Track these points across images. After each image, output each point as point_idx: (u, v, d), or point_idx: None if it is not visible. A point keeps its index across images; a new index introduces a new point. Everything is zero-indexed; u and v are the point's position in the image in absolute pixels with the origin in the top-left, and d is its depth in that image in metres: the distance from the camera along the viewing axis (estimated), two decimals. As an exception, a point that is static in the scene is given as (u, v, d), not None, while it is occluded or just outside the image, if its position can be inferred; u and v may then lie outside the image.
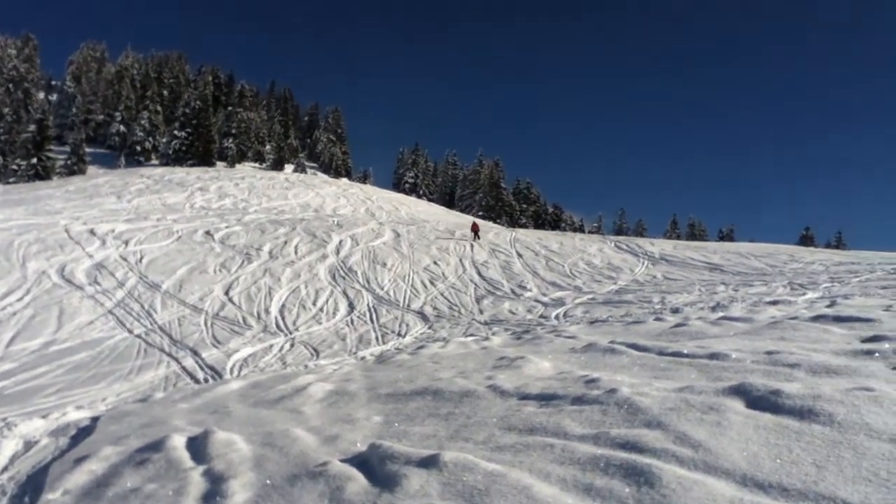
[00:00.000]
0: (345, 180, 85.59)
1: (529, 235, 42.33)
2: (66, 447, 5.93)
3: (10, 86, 78.75)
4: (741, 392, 4.26)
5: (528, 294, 25.35)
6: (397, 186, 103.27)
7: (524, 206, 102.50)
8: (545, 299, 23.80)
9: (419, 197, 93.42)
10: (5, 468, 5.56)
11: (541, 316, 20.47)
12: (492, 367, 6.89)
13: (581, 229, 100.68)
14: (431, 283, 27.43)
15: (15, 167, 63.22)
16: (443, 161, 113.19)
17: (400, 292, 25.71)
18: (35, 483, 4.83)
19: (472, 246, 35.52)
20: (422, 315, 22.41)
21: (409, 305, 23.85)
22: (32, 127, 65.89)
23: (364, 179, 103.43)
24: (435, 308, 23.49)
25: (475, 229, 38.12)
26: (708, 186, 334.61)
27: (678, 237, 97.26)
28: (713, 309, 13.08)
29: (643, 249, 36.02)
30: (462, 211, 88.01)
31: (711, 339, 7.33)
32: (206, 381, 14.60)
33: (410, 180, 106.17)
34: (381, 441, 4.16)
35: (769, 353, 5.71)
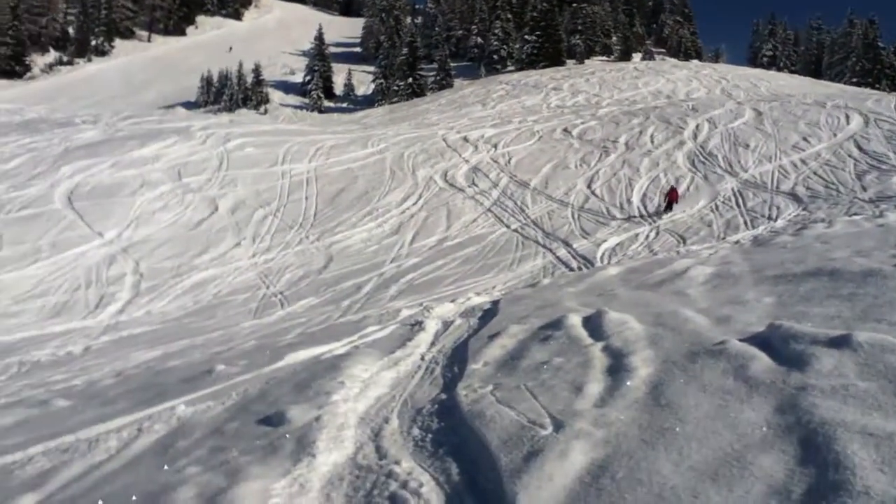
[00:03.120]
0: (695, 62, 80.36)
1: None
2: (476, 326, 6.83)
3: (383, 15, 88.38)
4: None
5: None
6: (753, 62, 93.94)
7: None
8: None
9: (779, 70, 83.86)
10: (433, 343, 6.62)
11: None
12: (895, 245, 6.19)
13: None
14: (802, 161, 24.89)
15: (396, 88, 71.25)
16: (804, 28, 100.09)
17: (766, 174, 23.85)
18: (459, 355, 5.68)
19: (846, 117, 31.03)
20: (793, 196, 20.62)
21: (777, 187, 22.08)
22: (405, 50, 73.34)
23: (716, 59, 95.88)
24: (808, 188, 21.41)
25: (673, 197, 22.24)
26: None
27: None
28: None
29: None
30: (831, 80, 77.10)
31: None
32: (579, 269, 15.41)
33: (768, 53, 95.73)
34: (780, 321, 4.08)
35: None
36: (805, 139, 28.14)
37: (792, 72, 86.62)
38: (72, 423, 5.55)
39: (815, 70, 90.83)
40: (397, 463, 3.45)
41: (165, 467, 3.92)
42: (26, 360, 12.90)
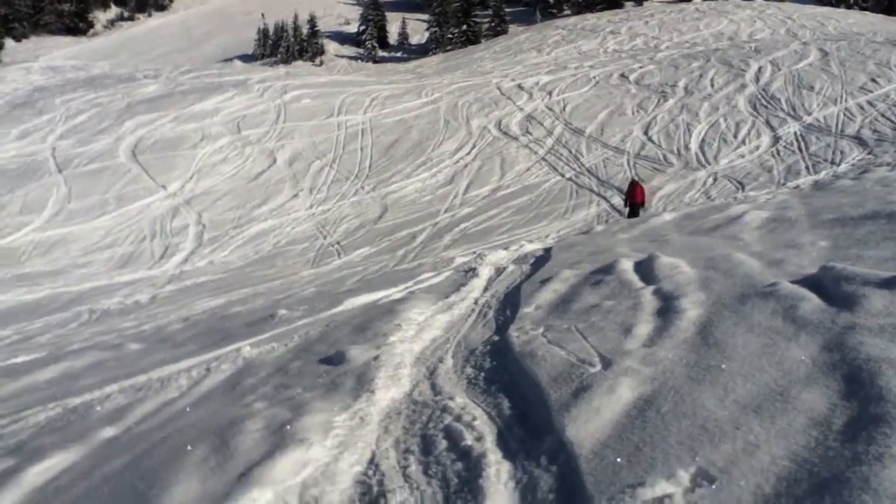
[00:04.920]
0: (759, 0, 77.03)
1: None
2: (528, 272, 6.93)
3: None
4: None
5: None
6: (822, 0, 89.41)
7: None
8: None
9: (849, 7, 79.62)
10: (486, 288, 6.75)
11: None
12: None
13: None
14: (869, 104, 23.85)
15: (450, 35, 70.38)
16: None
17: (831, 117, 22.98)
18: (512, 299, 5.80)
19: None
20: (859, 140, 19.88)
21: (842, 131, 21.29)
22: (458, -4, 72.21)
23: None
24: (875, 131, 20.59)
25: (638, 197, 16.03)
26: None
27: None
28: None
29: None
30: (910, 15, 72.97)
31: None
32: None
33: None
34: (832, 263, 4.06)
35: None
36: (873, 80, 26.92)
37: (863, 9, 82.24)
38: (144, 364, 5.91)
39: (888, 6, 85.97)
40: (451, 399, 3.62)
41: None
42: (96, 308, 13.57)
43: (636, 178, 17.44)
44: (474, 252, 10.56)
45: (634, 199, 16.08)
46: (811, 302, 3.57)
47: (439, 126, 28.65)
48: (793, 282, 3.99)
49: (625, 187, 18.66)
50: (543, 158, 23.07)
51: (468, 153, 24.85)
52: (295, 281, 13.74)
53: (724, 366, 3.05)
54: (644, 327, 3.87)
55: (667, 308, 4.16)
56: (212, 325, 7.93)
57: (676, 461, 2.41)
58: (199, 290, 14.55)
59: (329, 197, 22.51)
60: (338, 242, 18.24)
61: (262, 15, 77.09)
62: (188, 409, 4.35)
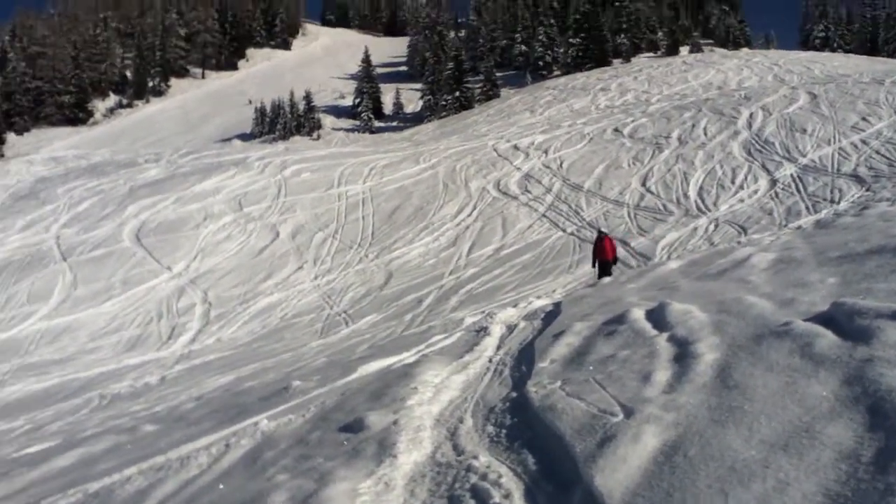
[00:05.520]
0: (745, 50, 78.82)
1: None
2: (540, 327, 6.94)
3: (427, 32, 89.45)
4: None
5: None
6: (805, 44, 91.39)
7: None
8: None
9: (833, 51, 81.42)
10: (499, 346, 6.75)
11: None
12: (967, 219, 6.08)
13: None
14: (862, 142, 24.15)
15: (443, 102, 71.83)
16: (857, 4, 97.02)
17: (826, 157, 23.24)
18: (526, 355, 5.80)
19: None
20: (856, 178, 20.09)
21: (838, 169, 21.51)
22: (450, 64, 73.94)
23: (766, 45, 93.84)
24: (871, 168, 20.81)
25: (608, 254, 14.22)
26: None
27: None
28: None
29: None
30: (889, 56, 74.61)
31: None
32: (638, 266, 15.33)
33: (820, 35, 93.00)
34: (843, 299, 4.09)
35: None
36: (864, 119, 27.34)
37: (847, 51, 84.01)
38: (161, 445, 5.87)
39: (871, 48, 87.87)
40: (475, 458, 3.60)
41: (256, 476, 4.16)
42: (106, 392, 13.51)
43: (603, 231, 15.16)
44: (483, 311, 10.57)
45: (605, 256, 14.03)
46: (826, 338, 3.59)
47: (439, 190, 29.00)
48: (806, 320, 4.02)
49: (628, 239, 18.69)
50: (544, 215, 23.27)
51: (469, 215, 25.09)
52: (304, 353, 13.71)
53: (746, 406, 3.05)
54: (662, 374, 3.88)
55: (683, 353, 4.17)
56: (226, 402, 7.90)
57: (709, 504, 2.41)
58: (209, 368, 14.50)
59: (333, 267, 22.62)
60: (345, 311, 18.25)
61: (250, 101, 79.06)
62: (221, 485, 4.31)
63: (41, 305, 21.51)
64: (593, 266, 14.39)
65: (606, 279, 11.38)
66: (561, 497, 2.93)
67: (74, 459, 6.40)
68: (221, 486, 4.21)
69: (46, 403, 13.36)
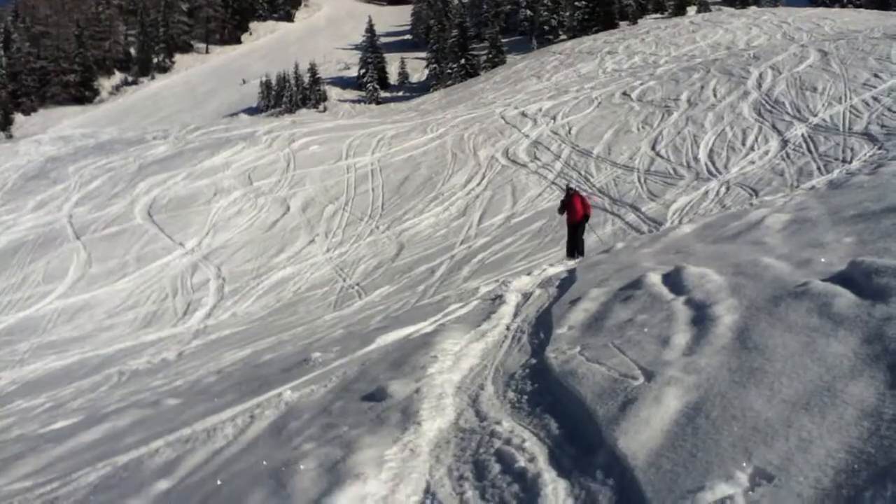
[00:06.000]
0: (753, 8, 77.60)
1: None
2: (556, 294, 6.97)
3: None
4: None
5: None
6: (815, 1, 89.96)
7: None
8: None
9: (843, 6, 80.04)
10: (515, 313, 6.80)
11: None
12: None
13: None
14: (874, 99, 23.85)
15: (449, 71, 71.34)
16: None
17: (837, 116, 22.99)
18: (544, 322, 5.84)
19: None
20: (868, 136, 19.88)
21: (850, 128, 21.29)
22: (455, 32, 73.32)
23: (775, 2, 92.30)
24: (883, 126, 20.58)
25: (578, 214, 12.31)
26: None
27: None
28: None
29: None
30: (906, 7, 73.37)
31: None
32: (650, 232, 15.31)
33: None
34: (861, 258, 4.09)
35: None
36: (876, 75, 26.96)
37: (857, 6, 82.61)
38: (186, 418, 5.98)
39: (882, 2, 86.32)
40: (498, 423, 3.67)
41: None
42: (125, 369, 13.69)
43: (574, 188, 12.97)
44: (497, 280, 10.61)
45: (575, 218, 11.61)
46: (845, 297, 3.60)
47: (447, 160, 28.92)
48: (824, 280, 4.03)
49: (639, 204, 18.63)
50: (554, 182, 23.20)
51: (478, 184, 25.04)
52: (319, 325, 13.83)
53: (766, 367, 3.09)
54: (681, 337, 3.91)
55: (701, 316, 4.20)
56: (247, 374, 8.00)
57: (733, 463, 2.45)
58: (225, 342, 14.66)
59: (345, 239, 22.70)
60: (357, 284, 18.35)
61: (244, 81, 78.78)
62: (238, 455, 4.41)
63: (57, 284, 21.73)
64: (569, 246, 12.21)
65: (572, 262, 10.03)
66: (584, 460, 2.98)
67: (100, 434, 6.53)
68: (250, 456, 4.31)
69: (67, 381, 13.57)
